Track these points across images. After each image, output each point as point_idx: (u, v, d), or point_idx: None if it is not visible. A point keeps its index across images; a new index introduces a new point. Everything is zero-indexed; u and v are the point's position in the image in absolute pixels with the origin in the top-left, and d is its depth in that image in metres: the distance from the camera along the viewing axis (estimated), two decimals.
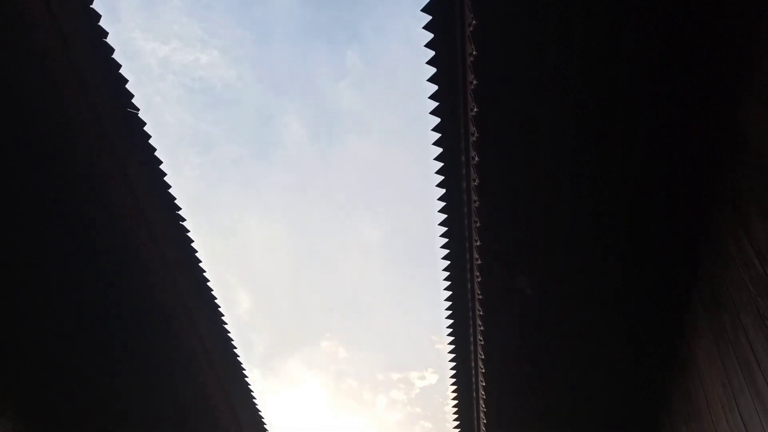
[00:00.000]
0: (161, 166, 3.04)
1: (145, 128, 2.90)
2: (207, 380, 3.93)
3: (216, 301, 3.83)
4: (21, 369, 3.62)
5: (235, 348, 4.05)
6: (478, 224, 2.79)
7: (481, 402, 3.62)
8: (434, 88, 2.65)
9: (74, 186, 2.87)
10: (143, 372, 3.88)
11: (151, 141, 2.95)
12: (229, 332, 3.94)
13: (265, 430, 4.69)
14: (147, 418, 4.22)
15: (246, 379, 4.31)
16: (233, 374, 4.21)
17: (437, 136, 2.82)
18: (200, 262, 3.52)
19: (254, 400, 4.45)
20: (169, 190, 3.15)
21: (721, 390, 2.24)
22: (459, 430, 4.29)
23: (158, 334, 3.54)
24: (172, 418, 4.20)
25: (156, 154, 3.00)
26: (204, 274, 3.62)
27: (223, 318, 3.92)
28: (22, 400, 3.66)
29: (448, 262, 3.38)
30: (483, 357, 3.37)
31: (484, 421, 3.56)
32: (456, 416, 4.21)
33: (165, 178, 3.09)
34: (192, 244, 3.42)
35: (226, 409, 4.19)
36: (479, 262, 2.98)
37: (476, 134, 2.44)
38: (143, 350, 3.73)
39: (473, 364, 3.74)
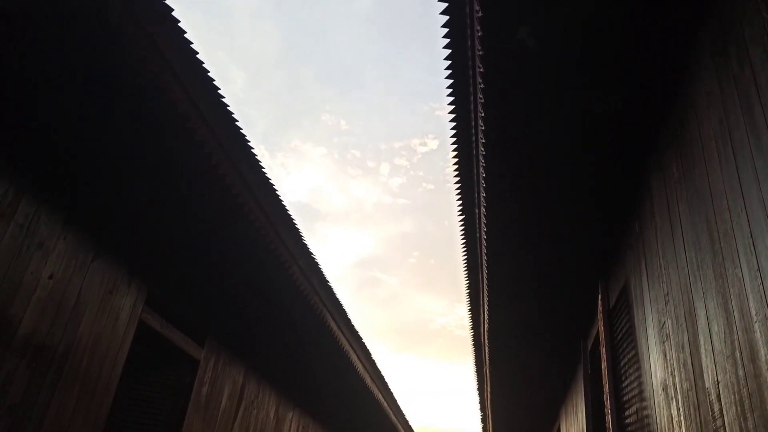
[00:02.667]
0: None
1: None
2: (219, 162, 4.04)
3: (209, 74, 3.75)
4: None
5: (238, 121, 4.08)
6: None
7: (481, 159, 3.75)
8: None
9: None
10: (153, 167, 3.99)
11: None
12: (229, 105, 3.93)
13: (281, 201, 4.97)
14: (161, 212, 4.46)
15: (256, 156, 4.43)
16: (242, 150, 4.31)
17: None
18: (185, 32, 3.36)
19: (267, 175, 4.63)
20: None
21: (717, 125, 2.28)
22: (459, 187, 4.52)
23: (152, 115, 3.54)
24: (191, 207, 4.43)
25: None
26: (191, 45, 3.48)
27: (220, 92, 3.88)
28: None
29: (447, 18, 3.21)
30: (483, 115, 3.39)
31: (483, 175, 3.72)
32: (456, 175, 4.40)
33: None
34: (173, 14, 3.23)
35: (242, 187, 4.38)
36: (480, 14, 2.82)
37: None
38: (146, 146, 3.77)
39: (473, 123, 3.79)
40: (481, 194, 4.04)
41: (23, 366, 3.78)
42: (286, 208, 5.04)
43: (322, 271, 6.00)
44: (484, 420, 10.38)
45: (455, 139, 4.06)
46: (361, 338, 7.94)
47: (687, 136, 2.67)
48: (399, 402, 10.94)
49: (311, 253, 5.71)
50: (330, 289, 6.35)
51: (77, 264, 4.26)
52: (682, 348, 2.69)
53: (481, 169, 3.77)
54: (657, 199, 3.16)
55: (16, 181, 3.68)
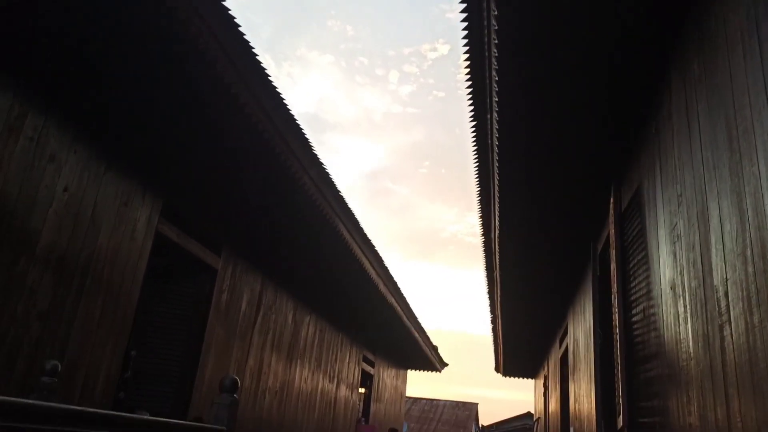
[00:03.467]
0: None
1: None
2: (224, 70, 3.92)
3: None
4: None
5: (241, 27, 3.93)
6: None
7: (494, 61, 3.62)
8: None
9: None
10: (161, 78, 3.88)
11: None
12: (231, 9, 3.78)
13: (290, 112, 4.88)
14: (171, 124, 4.39)
15: (261, 63, 4.29)
16: (247, 58, 4.17)
17: None
18: None
19: (273, 84, 4.51)
20: None
21: (744, 18, 2.16)
22: (471, 92, 4.40)
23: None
24: (194, 116, 4.36)
25: None
26: None
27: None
28: None
29: None
30: (496, 14, 3.23)
31: (496, 78, 3.61)
32: (468, 79, 4.27)
33: None
34: None
35: (248, 96, 4.28)
36: None
37: None
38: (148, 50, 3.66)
39: (486, 23, 3.63)
40: (493, 99, 3.94)
41: (48, 276, 3.91)
42: (295, 118, 4.96)
43: (332, 181, 6.01)
44: (494, 321, 10.76)
45: (467, 41, 3.90)
46: (373, 246, 8.08)
47: (711, 31, 2.54)
48: (412, 306, 11.32)
49: (321, 164, 5.69)
50: (341, 198, 6.39)
51: (90, 177, 4.29)
52: (693, 248, 2.71)
53: (494, 72, 3.65)
54: (676, 99, 3.06)
55: (20, 94, 3.63)
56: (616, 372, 4.14)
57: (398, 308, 10.45)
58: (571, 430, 7.41)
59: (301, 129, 5.14)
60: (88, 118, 4.23)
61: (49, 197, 3.90)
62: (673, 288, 3.04)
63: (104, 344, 4.50)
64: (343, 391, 11.24)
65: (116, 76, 4.09)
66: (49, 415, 1.65)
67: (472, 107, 4.57)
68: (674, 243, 3.02)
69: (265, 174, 5.32)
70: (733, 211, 2.23)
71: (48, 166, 3.88)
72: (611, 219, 4.34)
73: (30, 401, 1.68)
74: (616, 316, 4.08)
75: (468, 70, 4.15)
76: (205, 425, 2.68)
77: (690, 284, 2.74)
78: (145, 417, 2.22)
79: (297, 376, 8.73)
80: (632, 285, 4.02)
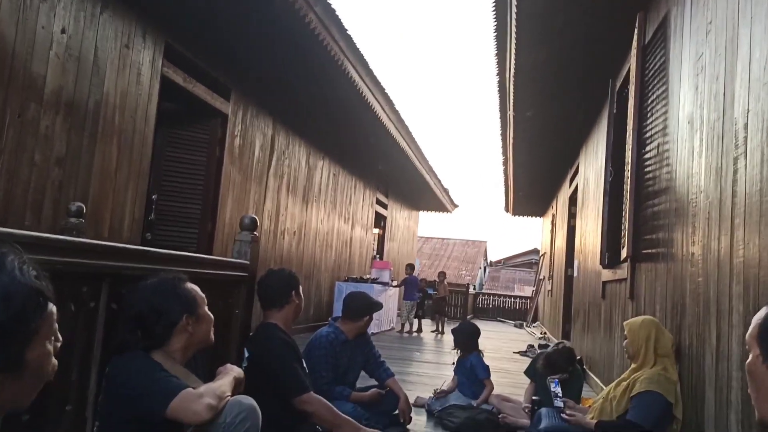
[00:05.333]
0: None
1: None
2: None
3: None
4: None
5: None
6: None
7: None
8: None
9: None
10: None
11: None
12: None
13: None
14: None
15: None
16: None
17: None
18: None
19: None
20: None
21: None
22: None
23: None
24: None
25: None
26: None
27: None
28: None
29: None
30: None
31: None
32: None
33: None
34: None
35: None
36: None
37: None
38: None
39: None
40: None
41: (59, 121, 3.91)
42: None
43: (338, 18, 5.69)
44: (505, 164, 10.81)
45: None
46: (384, 88, 7.89)
47: None
48: (423, 150, 11.34)
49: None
50: (349, 37, 6.10)
51: (86, 17, 4.10)
52: (716, 79, 2.60)
53: None
54: None
55: None
56: (624, 208, 4.24)
57: (410, 151, 10.50)
58: (576, 263, 7.80)
59: None
60: None
61: (47, 39, 3.76)
62: (690, 122, 2.99)
63: (125, 188, 4.63)
64: (358, 231, 11.73)
65: None
66: (82, 251, 1.74)
67: None
68: (697, 75, 2.90)
69: (266, 9, 5.04)
70: (764, 37, 2.10)
71: (41, 5, 3.69)
72: (633, 52, 4.14)
73: (64, 237, 1.76)
74: (629, 153, 4.07)
75: None
76: (231, 259, 2.84)
77: (709, 117, 2.68)
78: (174, 252, 2.34)
79: (313, 218, 9.07)
80: (648, 122, 3.95)
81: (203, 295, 1.86)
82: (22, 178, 3.64)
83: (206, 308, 1.85)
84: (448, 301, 14.07)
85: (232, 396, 1.70)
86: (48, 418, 1.63)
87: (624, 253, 4.15)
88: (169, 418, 1.57)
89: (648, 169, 3.85)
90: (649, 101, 3.95)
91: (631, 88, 4.16)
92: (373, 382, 3.68)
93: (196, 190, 5.90)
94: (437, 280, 11.95)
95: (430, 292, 11.82)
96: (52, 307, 0.83)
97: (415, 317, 10.69)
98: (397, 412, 3.52)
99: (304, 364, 2.78)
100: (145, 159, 4.90)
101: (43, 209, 3.80)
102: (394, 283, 11.16)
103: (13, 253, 0.81)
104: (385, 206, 13.84)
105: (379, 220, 13.74)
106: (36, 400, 0.86)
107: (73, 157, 4.05)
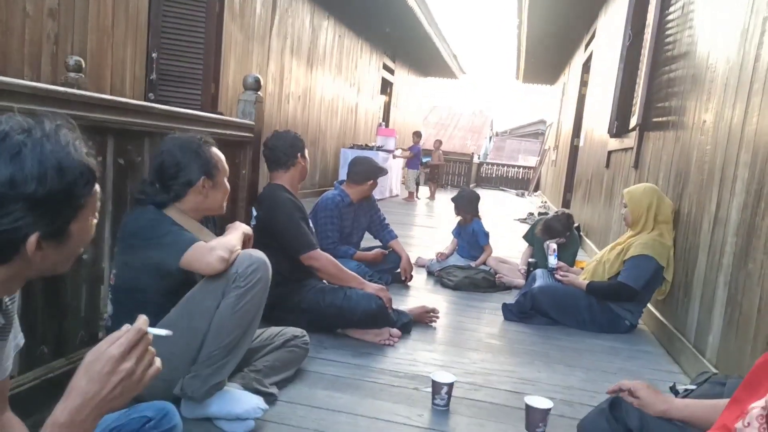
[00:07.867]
0: None
1: None
2: None
3: None
4: None
5: None
6: None
7: None
8: None
9: None
10: None
11: None
12: None
13: None
14: None
15: None
16: None
17: None
18: None
19: None
20: None
21: None
22: None
23: None
24: None
25: None
26: None
27: None
28: None
29: None
30: None
31: None
32: None
33: None
34: None
35: None
36: None
37: None
38: None
39: None
40: None
41: None
42: None
43: None
44: (519, 27, 10.28)
45: None
46: None
47: None
48: (432, 11, 10.73)
49: None
50: None
51: None
52: None
53: None
54: None
55: None
56: (638, 74, 4.10)
57: (419, 11, 9.96)
58: (583, 132, 7.72)
59: None
60: None
61: None
62: None
63: (124, 44, 4.47)
64: (364, 97, 11.49)
65: None
66: (86, 104, 1.71)
67: None
68: None
69: None
70: None
71: None
72: None
73: (69, 89, 1.72)
74: (651, 15, 3.86)
75: None
76: (236, 119, 2.80)
77: None
78: (179, 110, 2.30)
79: (318, 83, 8.84)
80: None
81: (227, 167, 1.86)
82: (16, 31, 3.50)
83: (226, 179, 1.85)
84: (442, 170, 14.34)
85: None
86: None
87: (633, 122, 4.08)
88: (182, 268, 1.64)
89: (669, 32, 3.66)
90: None
91: None
92: (378, 244, 3.81)
93: (197, 49, 5.69)
94: (432, 148, 12.04)
95: (425, 160, 11.91)
96: (98, 186, 0.87)
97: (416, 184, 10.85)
98: (398, 270, 3.68)
99: (311, 224, 2.85)
100: (142, 13, 4.68)
101: (41, 64, 3.70)
102: (398, 152, 11.10)
103: (67, 127, 0.83)
104: (392, 72, 13.43)
105: (386, 87, 13.40)
106: None
107: (66, 8, 3.87)
